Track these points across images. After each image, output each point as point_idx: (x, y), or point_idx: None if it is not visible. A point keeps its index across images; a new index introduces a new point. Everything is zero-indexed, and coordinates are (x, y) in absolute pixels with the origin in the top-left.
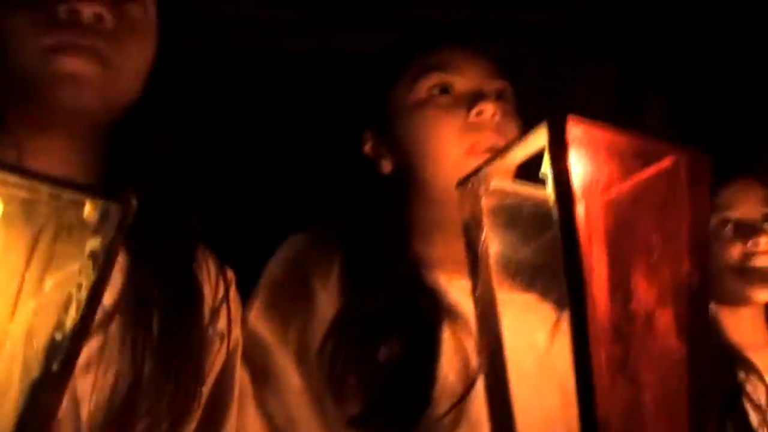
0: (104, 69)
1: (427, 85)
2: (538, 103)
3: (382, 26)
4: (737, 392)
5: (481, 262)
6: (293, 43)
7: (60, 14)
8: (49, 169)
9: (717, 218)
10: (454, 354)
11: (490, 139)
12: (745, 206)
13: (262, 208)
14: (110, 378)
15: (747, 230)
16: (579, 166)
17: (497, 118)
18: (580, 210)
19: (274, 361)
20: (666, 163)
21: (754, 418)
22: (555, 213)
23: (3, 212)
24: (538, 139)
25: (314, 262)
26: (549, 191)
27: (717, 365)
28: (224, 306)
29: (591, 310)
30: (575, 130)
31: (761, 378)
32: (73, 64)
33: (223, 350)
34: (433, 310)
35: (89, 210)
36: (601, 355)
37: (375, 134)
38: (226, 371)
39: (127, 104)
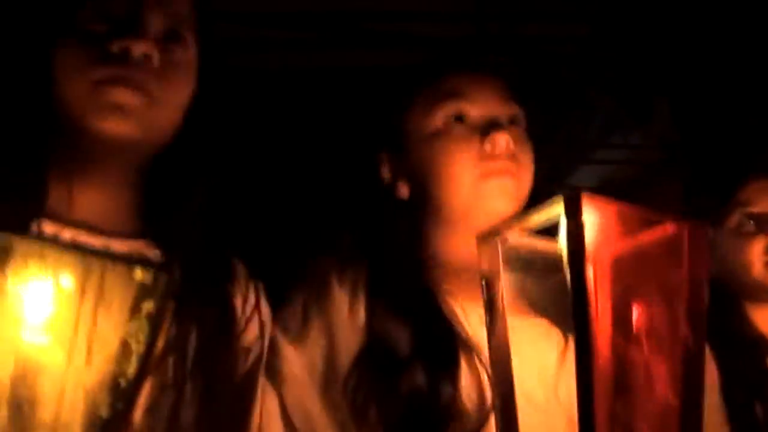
0: (149, 102)
1: (442, 113)
2: (547, 123)
3: (391, 43)
4: (766, 378)
5: (497, 312)
6: (304, 60)
7: (112, 50)
8: (98, 202)
9: (739, 214)
10: (471, 384)
11: (503, 166)
12: (765, 201)
13: (282, 224)
14: (158, 405)
15: None
16: (590, 233)
17: (510, 145)
18: (589, 271)
19: (299, 389)
20: (668, 230)
21: None
22: (568, 274)
23: (73, 282)
24: (555, 209)
25: (341, 287)
26: (563, 254)
27: (746, 355)
28: (255, 317)
29: (596, 357)
30: (588, 205)
31: None
32: (120, 96)
33: (249, 361)
34: (452, 342)
35: (142, 276)
36: (602, 408)
37: (391, 157)
38: (248, 380)
39: (168, 137)
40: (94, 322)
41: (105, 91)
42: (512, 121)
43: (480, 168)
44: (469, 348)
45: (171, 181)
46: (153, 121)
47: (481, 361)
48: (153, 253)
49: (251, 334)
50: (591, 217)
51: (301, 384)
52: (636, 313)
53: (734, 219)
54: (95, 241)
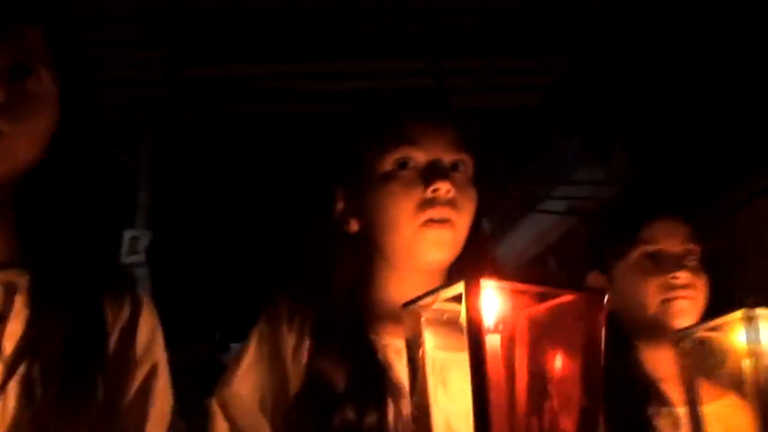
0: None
1: (391, 158)
2: (506, 168)
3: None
4: (647, 426)
5: (419, 374)
6: (253, 106)
7: None
8: None
9: (639, 252)
10: (397, 422)
11: (444, 213)
12: (667, 241)
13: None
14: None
15: (668, 264)
16: (491, 308)
17: (450, 194)
18: (493, 339)
19: (252, 422)
20: (566, 299)
21: None
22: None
23: None
24: (458, 288)
25: (289, 327)
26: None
27: (630, 400)
28: (134, 332)
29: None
30: (487, 286)
31: (671, 410)
32: None
33: (139, 374)
34: (381, 384)
35: None
36: None
37: (346, 194)
38: (143, 394)
39: (29, 165)
40: None
41: None
42: (455, 167)
43: (420, 216)
44: (398, 388)
45: (38, 205)
46: (6, 153)
47: (405, 402)
48: (21, 280)
49: (134, 348)
50: (490, 296)
51: (252, 413)
52: (547, 371)
53: (634, 256)
54: None
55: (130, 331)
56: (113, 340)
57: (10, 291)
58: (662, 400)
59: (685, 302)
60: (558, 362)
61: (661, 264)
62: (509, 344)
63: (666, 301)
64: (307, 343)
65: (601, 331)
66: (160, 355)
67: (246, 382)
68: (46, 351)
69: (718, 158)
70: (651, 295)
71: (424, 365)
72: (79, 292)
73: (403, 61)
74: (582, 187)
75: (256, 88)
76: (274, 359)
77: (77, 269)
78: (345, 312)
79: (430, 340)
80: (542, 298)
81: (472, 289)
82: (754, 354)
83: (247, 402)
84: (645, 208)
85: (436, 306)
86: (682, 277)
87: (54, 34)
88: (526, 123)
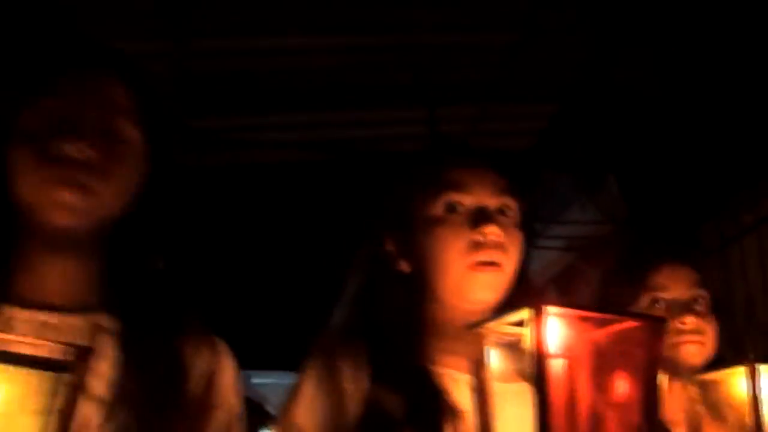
0: (91, 196)
1: (440, 203)
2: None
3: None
4: None
5: (484, 392)
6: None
7: (52, 152)
8: (58, 282)
9: (649, 298)
10: None
11: (492, 256)
12: (675, 287)
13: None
14: None
15: (676, 309)
16: (554, 333)
17: (498, 237)
18: (556, 364)
19: None
20: (626, 325)
21: None
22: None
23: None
24: (522, 314)
25: (346, 360)
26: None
27: None
28: (213, 379)
29: None
30: (550, 312)
31: None
32: (63, 195)
33: (220, 417)
34: (439, 410)
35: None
36: None
37: (395, 238)
38: None
39: (117, 216)
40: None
41: (49, 191)
42: (501, 211)
43: (469, 258)
44: (454, 414)
45: (125, 252)
46: (97, 210)
47: (465, 427)
48: (109, 323)
49: (215, 393)
50: (553, 322)
51: None
52: (608, 396)
53: (643, 303)
54: (52, 319)
55: (209, 375)
56: (193, 383)
57: (98, 333)
58: None
59: (693, 347)
60: (618, 387)
61: (670, 310)
62: (572, 369)
63: (675, 346)
64: (363, 375)
65: (659, 356)
66: (237, 399)
67: (306, 412)
68: (133, 393)
69: (706, 191)
70: None
71: (488, 386)
72: (163, 337)
73: (399, 110)
74: (575, 226)
75: (261, 139)
76: (332, 391)
77: (162, 314)
78: (401, 343)
79: (492, 371)
80: (603, 324)
81: (536, 314)
82: (755, 405)
83: (307, 431)
84: (651, 255)
85: (499, 329)
86: (690, 322)
87: (137, 89)
88: (518, 166)
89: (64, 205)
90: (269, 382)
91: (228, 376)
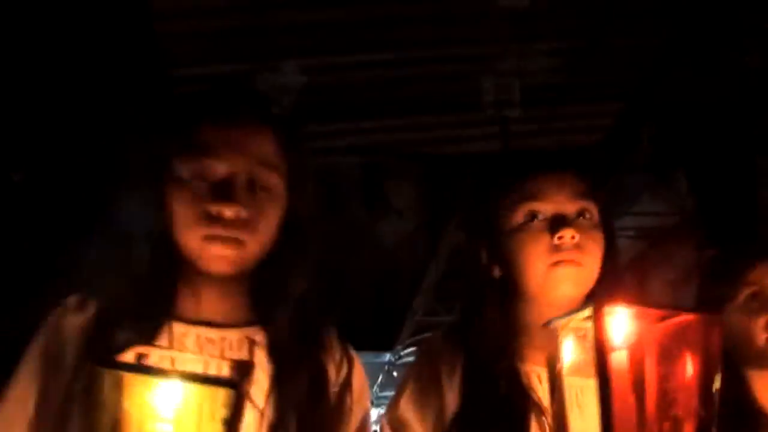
0: (243, 247)
1: (521, 212)
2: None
3: None
4: None
5: (558, 384)
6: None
7: (211, 212)
8: (217, 304)
9: (745, 294)
10: None
11: (570, 256)
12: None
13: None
14: None
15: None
16: (617, 328)
17: (575, 239)
18: (620, 356)
19: None
20: (686, 319)
21: None
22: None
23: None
24: (586, 313)
25: (444, 360)
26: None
27: (743, 426)
28: (349, 385)
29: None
30: (612, 308)
31: None
32: (219, 251)
33: (354, 422)
34: (525, 405)
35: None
36: None
37: (487, 245)
38: None
39: (265, 253)
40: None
41: (208, 247)
42: (580, 214)
43: (550, 258)
44: (540, 409)
45: (271, 277)
46: (247, 259)
47: (549, 420)
48: (260, 337)
49: (348, 400)
50: (616, 317)
51: None
52: (670, 385)
53: (741, 298)
54: (214, 334)
55: (346, 382)
56: (334, 390)
57: (252, 345)
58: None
59: None
60: (679, 376)
61: (766, 303)
62: (636, 360)
63: None
64: (459, 373)
65: (716, 347)
66: (368, 404)
67: (410, 406)
68: (288, 400)
69: None
70: (759, 331)
71: (561, 378)
72: (309, 348)
73: (474, 113)
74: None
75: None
76: (434, 388)
77: (307, 328)
78: (494, 343)
79: (568, 365)
80: (664, 319)
81: (598, 311)
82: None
83: (413, 424)
84: (747, 254)
85: (573, 325)
86: None
87: (284, 138)
88: (588, 161)
89: (221, 259)
90: None
91: (360, 381)
